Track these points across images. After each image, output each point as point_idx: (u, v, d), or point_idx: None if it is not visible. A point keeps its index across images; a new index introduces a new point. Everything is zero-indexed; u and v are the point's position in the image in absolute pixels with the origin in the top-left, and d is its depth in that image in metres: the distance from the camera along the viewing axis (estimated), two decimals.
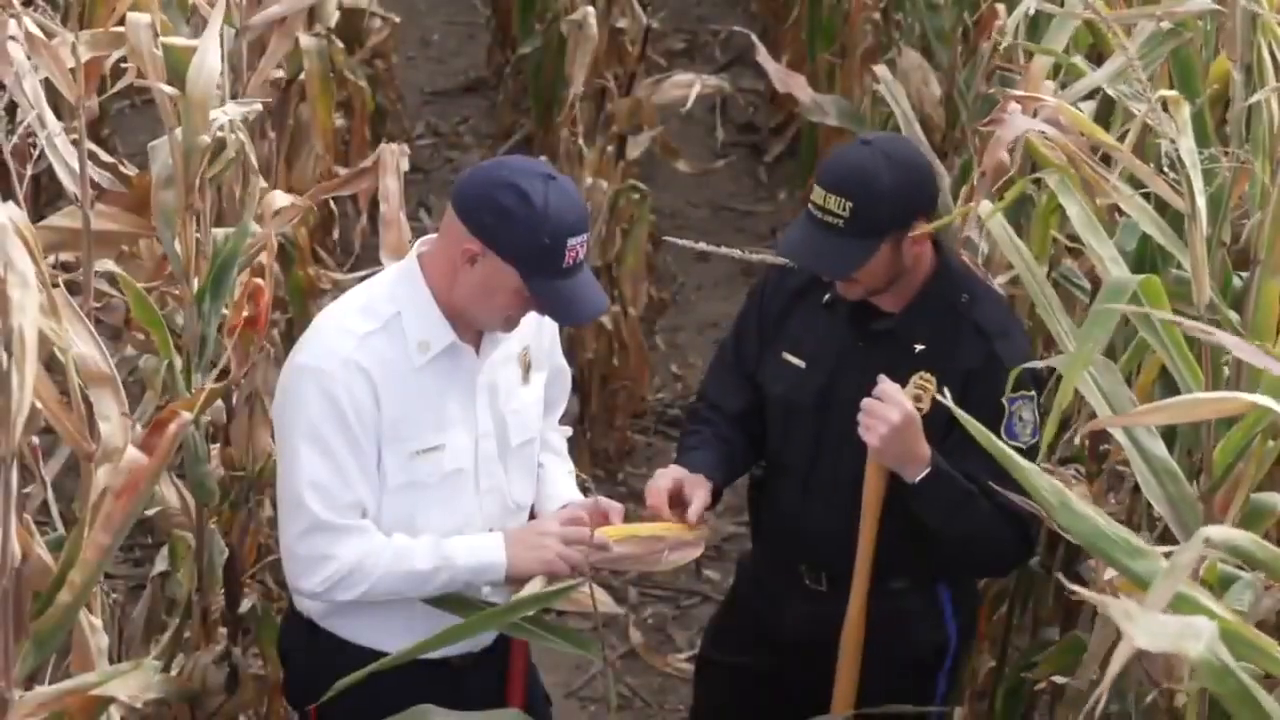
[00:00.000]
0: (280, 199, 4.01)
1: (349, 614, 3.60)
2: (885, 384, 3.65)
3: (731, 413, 4.00)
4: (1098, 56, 4.31)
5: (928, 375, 3.72)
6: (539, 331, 3.68)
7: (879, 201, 3.68)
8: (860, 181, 3.70)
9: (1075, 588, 2.54)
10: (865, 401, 3.66)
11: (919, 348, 3.78)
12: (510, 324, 3.54)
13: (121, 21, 3.92)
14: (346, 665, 3.52)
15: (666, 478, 3.80)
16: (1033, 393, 3.73)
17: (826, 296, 3.88)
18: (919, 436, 3.65)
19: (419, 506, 3.54)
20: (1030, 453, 3.58)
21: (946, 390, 3.15)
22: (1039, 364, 3.55)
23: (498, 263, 3.43)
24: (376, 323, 3.49)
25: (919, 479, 3.67)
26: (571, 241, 3.42)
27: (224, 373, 3.88)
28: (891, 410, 3.62)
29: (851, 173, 3.73)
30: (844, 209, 3.68)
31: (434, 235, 3.58)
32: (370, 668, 3.45)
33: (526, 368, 3.67)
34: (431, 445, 3.52)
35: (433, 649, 3.51)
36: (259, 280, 3.93)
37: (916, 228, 3.72)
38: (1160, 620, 2.25)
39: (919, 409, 3.67)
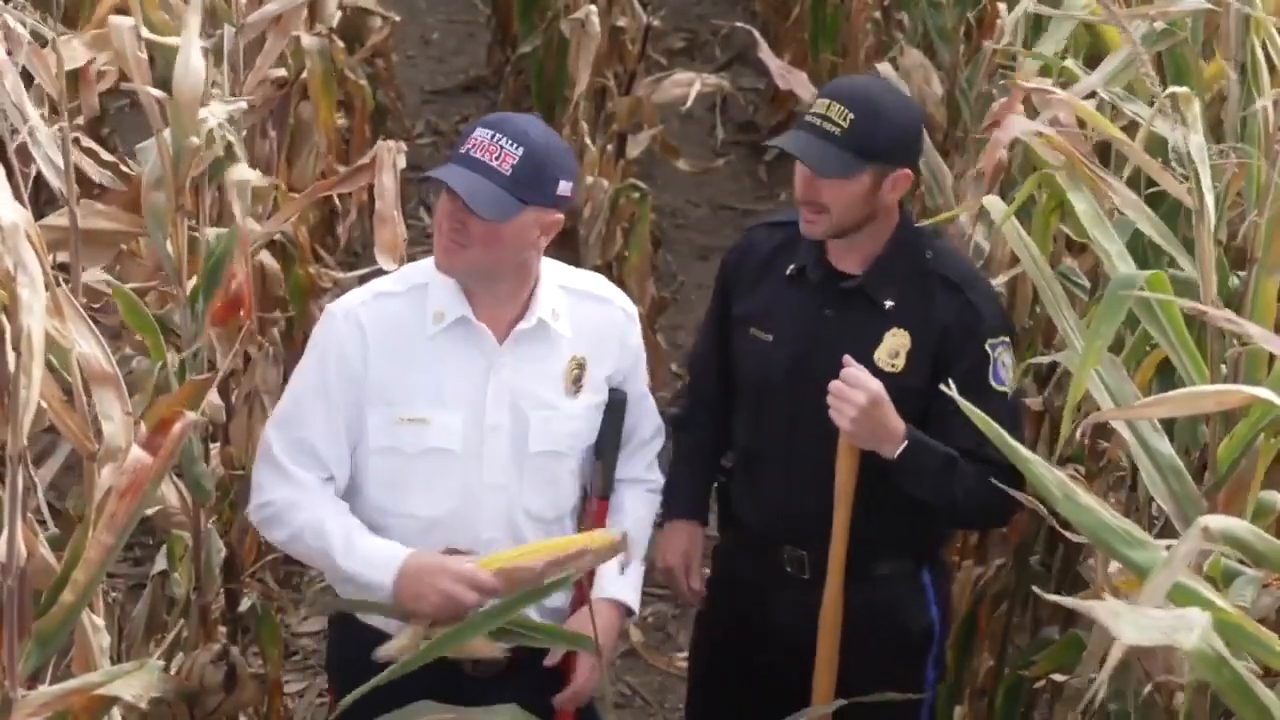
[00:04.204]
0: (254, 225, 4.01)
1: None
2: (851, 366, 3.62)
3: (715, 396, 4.01)
4: (1096, 60, 4.31)
5: (901, 331, 3.72)
6: (601, 350, 3.63)
7: (879, 124, 3.67)
8: (866, 99, 3.71)
9: (1052, 597, 2.55)
10: (832, 385, 3.62)
11: (889, 304, 3.75)
12: (453, 239, 3.42)
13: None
14: (351, 638, 3.58)
15: (676, 554, 3.97)
16: (1008, 337, 3.73)
17: (790, 268, 3.84)
18: (890, 413, 3.62)
19: (400, 476, 3.54)
20: (1014, 398, 3.69)
21: (951, 383, 3.13)
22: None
23: None
24: (401, 286, 3.55)
25: (898, 454, 3.64)
26: (479, 132, 3.43)
27: (213, 365, 3.87)
28: (857, 393, 3.59)
29: (859, 90, 3.77)
30: (844, 119, 3.66)
31: None
32: (374, 680, 3.34)
33: (576, 379, 3.63)
34: (419, 416, 3.51)
35: (434, 655, 3.41)
36: (235, 267, 3.91)
37: (897, 175, 3.69)
38: (1149, 614, 2.25)
39: (894, 366, 3.67)
